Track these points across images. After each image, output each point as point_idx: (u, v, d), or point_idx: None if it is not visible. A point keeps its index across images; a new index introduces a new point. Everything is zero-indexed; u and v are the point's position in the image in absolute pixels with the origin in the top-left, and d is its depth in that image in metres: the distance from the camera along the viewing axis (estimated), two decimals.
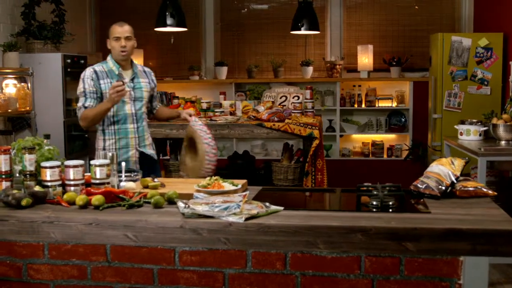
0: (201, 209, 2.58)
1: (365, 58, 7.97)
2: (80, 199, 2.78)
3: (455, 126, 5.80)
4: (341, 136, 8.18)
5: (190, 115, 4.23)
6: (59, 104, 6.39)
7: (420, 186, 3.02)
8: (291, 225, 2.48)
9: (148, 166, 4.25)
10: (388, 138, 8.24)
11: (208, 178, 3.07)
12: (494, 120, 5.46)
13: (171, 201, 2.84)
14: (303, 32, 7.05)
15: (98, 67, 4.23)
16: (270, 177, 5.85)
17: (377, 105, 8.06)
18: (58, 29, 6.76)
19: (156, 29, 6.23)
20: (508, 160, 4.95)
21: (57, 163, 2.96)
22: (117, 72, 4.21)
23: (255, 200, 2.84)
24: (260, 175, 6.02)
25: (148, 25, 8.30)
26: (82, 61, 6.75)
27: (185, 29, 6.38)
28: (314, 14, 7.08)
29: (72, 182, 2.96)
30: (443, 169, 3.05)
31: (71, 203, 2.84)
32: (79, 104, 4.16)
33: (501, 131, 5.36)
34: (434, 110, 6.70)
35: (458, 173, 3.03)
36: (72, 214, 2.69)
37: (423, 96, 7.71)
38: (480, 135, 5.63)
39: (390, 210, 2.73)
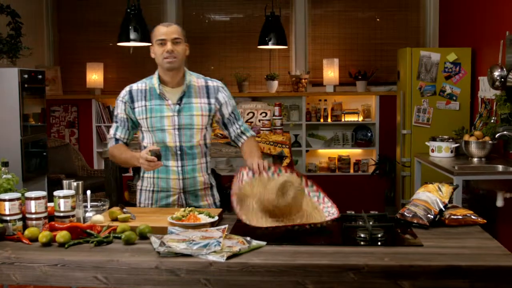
0: (178, 247, 2.36)
1: (331, 72, 7.85)
2: (43, 235, 2.54)
3: (427, 143, 5.71)
4: (307, 151, 8.03)
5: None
6: (16, 121, 6.06)
7: (407, 215, 2.86)
8: (277, 264, 2.29)
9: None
10: (354, 152, 8.13)
11: (182, 209, 2.86)
12: (466, 137, 5.38)
13: (144, 236, 2.62)
14: (270, 46, 6.88)
15: (138, 84, 3.37)
16: None
17: (343, 120, 7.93)
18: (15, 42, 6.44)
19: (119, 43, 5.96)
20: (485, 179, 4.84)
21: (17, 195, 2.71)
22: (158, 92, 3.28)
23: (234, 233, 2.64)
24: (228, 196, 5.79)
25: (108, 38, 8.09)
26: (40, 76, 6.46)
27: (149, 44, 6.12)
28: (282, 28, 6.92)
29: (33, 216, 2.71)
30: (430, 196, 2.90)
31: (33, 239, 2.59)
32: (111, 131, 3.40)
33: (473, 148, 5.28)
34: (403, 126, 6.60)
35: (446, 200, 2.89)
36: (34, 253, 2.45)
37: (389, 110, 7.63)
38: (451, 151, 5.55)
39: (379, 243, 2.56)
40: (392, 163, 7.50)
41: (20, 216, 2.71)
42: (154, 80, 3.31)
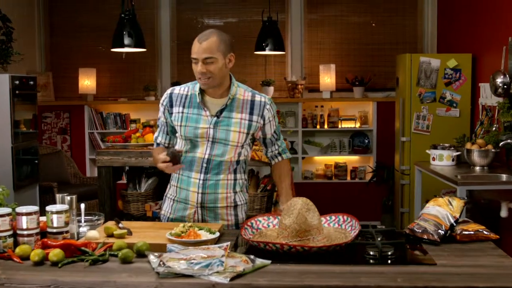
0: (178, 267, 2.23)
1: (327, 78, 7.74)
2: (36, 254, 2.40)
3: (427, 151, 5.59)
4: (303, 158, 7.91)
5: None
6: (7, 128, 5.91)
7: (417, 230, 2.73)
8: (284, 285, 2.16)
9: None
10: (351, 159, 8.01)
11: (181, 224, 2.72)
12: (468, 145, 5.27)
13: (141, 254, 2.48)
14: (268, 52, 6.76)
15: (181, 88, 3.17)
16: None
17: (340, 126, 7.82)
18: (6, 48, 6.30)
19: (113, 49, 5.82)
20: (488, 189, 4.72)
21: (7, 210, 2.57)
22: (198, 101, 3.10)
23: (236, 251, 2.51)
24: None
25: (101, 43, 7.95)
26: (32, 82, 6.31)
27: (144, 50, 6.00)
28: (279, 33, 6.80)
29: (25, 232, 2.57)
30: (441, 211, 2.78)
31: (25, 258, 2.45)
32: (155, 135, 3.32)
33: (475, 157, 5.17)
34: (402, 133, 6.48)
35: (457, 215, 2.77)
36: (26, 273, 2.30)
37: (387, 116, 7.54)
38: (453, 160, 5.43)
39: (390, 261, 2.43)
40: (390, 170, 7.40)
41: (10, 232, 2.57)
42: (197, 86, 3.11)
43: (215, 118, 3.05)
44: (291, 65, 8.03)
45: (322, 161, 8.04)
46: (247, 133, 3.09)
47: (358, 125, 7.86)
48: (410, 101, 6.38)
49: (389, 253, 2.47)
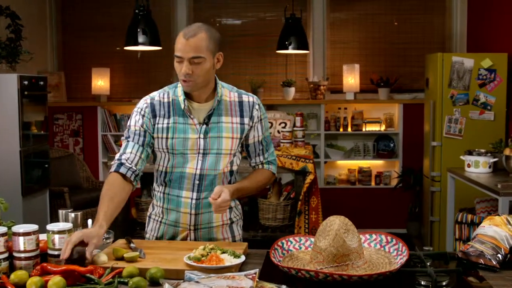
0: None
1: (351, 79, 7.39)
2: (32, 282, 2.06)
3: (462, 157, 5.22)
4: (325, 162, 7.57)
5: None
6: (15, 131, 5.62)
7: (472, 254, 2.37)
8: None
9: None
10: (376, 164, 7.65)
11: (201, 246, 2.37)
12: (507, 151, 4.89)
13: (155, 282, 2.15)
14: (291, 51, 6.42)
15: (160, 94, 2.72)
16: (255, 215, 5.19)
17: (364, 129, 7.47)
18: (14, 46, 6.01)
19: (127, 47, 5.50)
20: None
21: (2, 229, 2.24)
22: (182, 107, 2.67)
23: (263, 279, 2.16)
24: (244, 213, 5.32)
25: (115, 42, 7.66)
26: (42, 82, 6.01)
27: (159, 48, 5.67)
28: (303, 31, 6.45)
29: (22, 255, 2.25)
30: (499, 232, 2.42)
31: (20, 286, 2.12)
32: (117, 154, 2.69)
33: None
34: (433, 137, 6.10)
35: None
36: None
37: (414, 119, 7.19)
38: (489, 167, 5.07)
39: None
40: (417, 176, 7.03)
41: (6, 255, 2.24)
42: (178, 90, 2.69)
43: (204, 126, 2.66)
44: (313, 65, 7.69)
45: (346, 166, 7.69)
46: (240, 138, 2.71)
47: (383, 128, 7.51)
48: (442, 103, 6.00)
49: (444, 283, 2.11)
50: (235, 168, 2.78)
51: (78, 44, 7.89)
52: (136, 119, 2.69)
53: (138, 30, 5.25)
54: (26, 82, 5.67)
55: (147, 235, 2.88)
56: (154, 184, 2.83)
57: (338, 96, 7.64)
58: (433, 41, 7.53)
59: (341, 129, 7.53)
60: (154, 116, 2.68)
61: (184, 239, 2.76)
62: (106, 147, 7.71)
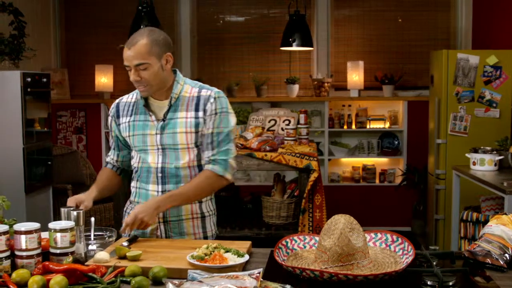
0: None
1: (355, 76, 7.35)
2: (35, 281, 2.04)
3: (467, 155, 5.19)
4: (329, 160, 7.54)
5: None
6: (18, 128, 5.58)
7: (479, 253, 2.34)
8: None
9: None
10: (380, 162, 7.62)
11: (205, 245, 2.35)
12: None
13: (158, 281, 2.12)
14: (295, 48, 6.38)
15: (129, 96, 2.91)
16: (259, 212, 5.16)
17: (368, 126, 7.44)
18: (17, 43, 5.98)
19: None
20: None
21: (4, 228, 2.22)
22: (142, 104, 2.81)
23: (267, 279, 2.13)
24: (248, 210, 5.32)
25: (118, 39, 7.62)
26: (45, 79, 5.98)
27: None
28: (307, 28, 6.41)
29: (24, 254, 2.23)
30: (506, 231, 2.39)
31: (22, 285, 2.10)
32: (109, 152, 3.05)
33: None
34: (438, 135, 6.06)
35: None
36: None
37: (418, 116, 7.15)
38: (495, 164, 5.04)
39: None
40: (422, 174, 6.99)
41: (7, 253, 2.22)
42: None
43: (161, 122, 2.76)
44: (317, 62, 7.66)
45: (350, 163, 7.65)
46: (196, 132, 2.74)
47: (387, 125, 7.47)
48: (447, 100, 5.96)
49: (450, 283, 2.09)
50: (203, 162, 2.80)
51: (81, 41, 7.86)
52: (110, 124, 2.96)
53: (141, 26, 5.23)
54: (29, 79, 5.65)
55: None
56: (131, 178, 2.99)
57: (342, 93, 7.60)
58: (437, 37, 7.48)
59: (345, 127, 7.49)
60: (118, 117, 2.89)
61: (154, 232, 2.80)
62: (109, 144, 7.69)
